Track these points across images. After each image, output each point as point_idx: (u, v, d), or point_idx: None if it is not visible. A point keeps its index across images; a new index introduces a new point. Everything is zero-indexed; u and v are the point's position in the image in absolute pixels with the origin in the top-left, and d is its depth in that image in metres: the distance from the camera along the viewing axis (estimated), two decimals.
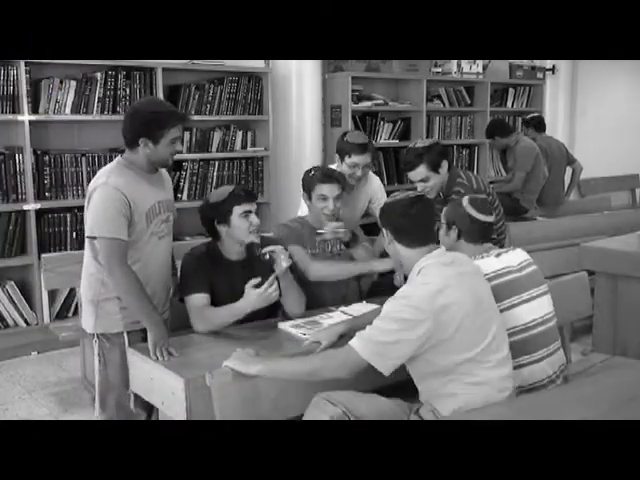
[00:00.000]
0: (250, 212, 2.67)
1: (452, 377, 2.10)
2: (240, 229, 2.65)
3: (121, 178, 2.48)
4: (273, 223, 5.00)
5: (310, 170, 3.14)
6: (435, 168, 3.21)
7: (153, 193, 2.58)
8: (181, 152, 2.67)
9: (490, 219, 2.55)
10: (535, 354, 2.42)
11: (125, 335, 2.56)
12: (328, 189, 2.99)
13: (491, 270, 2.42)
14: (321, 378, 2.14)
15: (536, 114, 6.53)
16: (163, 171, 2.72)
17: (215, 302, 2.63)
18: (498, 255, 2.50)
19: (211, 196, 2.76)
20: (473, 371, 2.10)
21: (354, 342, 2.08)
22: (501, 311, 2.38)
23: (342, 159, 3.44)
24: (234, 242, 2.69)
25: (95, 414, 2.68)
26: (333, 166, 3.56)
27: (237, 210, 2.64)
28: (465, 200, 2.55)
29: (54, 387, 3.88)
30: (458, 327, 2.05)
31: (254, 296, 2.49)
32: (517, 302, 2.43)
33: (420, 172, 3.21)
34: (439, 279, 2.10)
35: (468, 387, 2.10)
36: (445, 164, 3.25)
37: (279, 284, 2.59)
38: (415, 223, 2.20)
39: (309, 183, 3.05)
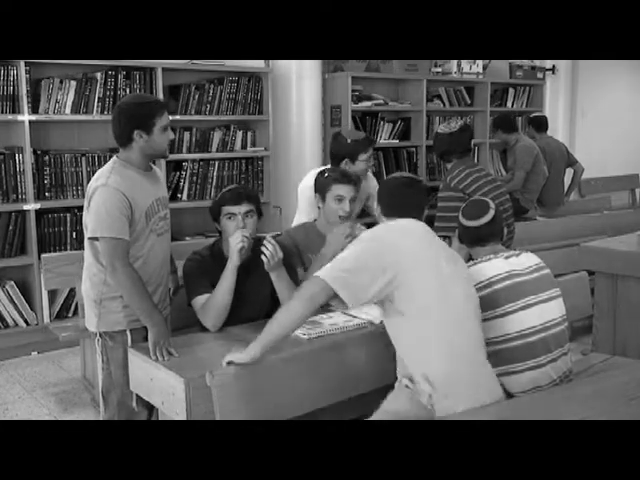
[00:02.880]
0: (234, 214, 2.64)
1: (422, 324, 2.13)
2: (225, 231, 2.66)
3: (121, 178, 2.49)
4: (273, 223, 5.01)
5: (324, 172, 3.09)
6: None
7: (151, 191, 2.60)
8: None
9: (479, 222, 2.52)
10: (535, 360, 2.39)
11: (128, 333, 2.56)
12: (345, 190, 2.94)
13: (495, 273, 2.41)
14: (301, 316, 2.13)
15: (539, 113, 6.52)
16: (156, 168, 2.74)
17: None
18: (507, 257, 2.49)
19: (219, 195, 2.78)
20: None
21: (320, 271, 2.11)
22: (501, 316, 2.38)
23: (355, 159, 3.41)
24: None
25: (100, 414, 2.68)
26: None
27: (223, 210, 2.65)
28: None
29: (54, 387, 3.88)
30: (420, 274, 2.12)
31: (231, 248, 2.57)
32: (517, 308, 2.39)
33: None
34: (404, 226, 2.26)
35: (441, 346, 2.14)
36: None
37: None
38: (406, 202, 2.34)
39: (324, 184, 2.99)
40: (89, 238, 2.51)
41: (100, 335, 2.59)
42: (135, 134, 2.50)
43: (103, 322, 2.58)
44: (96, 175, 2.56)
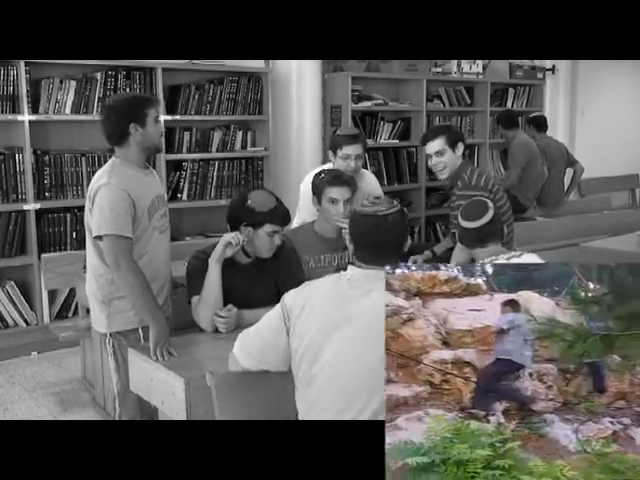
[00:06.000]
0: (277, 232, 2.62)
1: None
2: (262, 243, 2.61)
3: (122, 177, 2.50)
4: None
5: (320, 173, 3.06)
6: (452, 145, 3.31)
7: (151, 189, 2.62)
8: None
9: (478, 223, 2.51)
10: None
11: (140, 331, 2.56)
12: (338, 192, 2.91)
13: None
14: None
15: (538, 113, 6.52)
16: (152, 169, 2.76)
17: (224, 303, 2.60)
18: (508, 259, 2.47)
19: (253, 197, 2.62)
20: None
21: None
22: None
23: (335, 153, 3.39)
24: (249, 245, 2.65)
25: (115, 415, 2.66)
26: (328, 166, 3.55)
27: (267, 227, 2.59)
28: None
29: (54, 387, 3.88)
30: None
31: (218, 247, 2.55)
32: None
33: (438, 144, 3.30)
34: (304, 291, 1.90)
35: None
36: (461, 146, 3.34)
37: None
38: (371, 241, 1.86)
39: (318, 186, 2.97)
40: (94, 238, 2.51)
41: (112, 336, 2.59)
42: (131, 127, 2.51)
43: (114, 322, 2.57)
44: (97, 175, 2.56)
